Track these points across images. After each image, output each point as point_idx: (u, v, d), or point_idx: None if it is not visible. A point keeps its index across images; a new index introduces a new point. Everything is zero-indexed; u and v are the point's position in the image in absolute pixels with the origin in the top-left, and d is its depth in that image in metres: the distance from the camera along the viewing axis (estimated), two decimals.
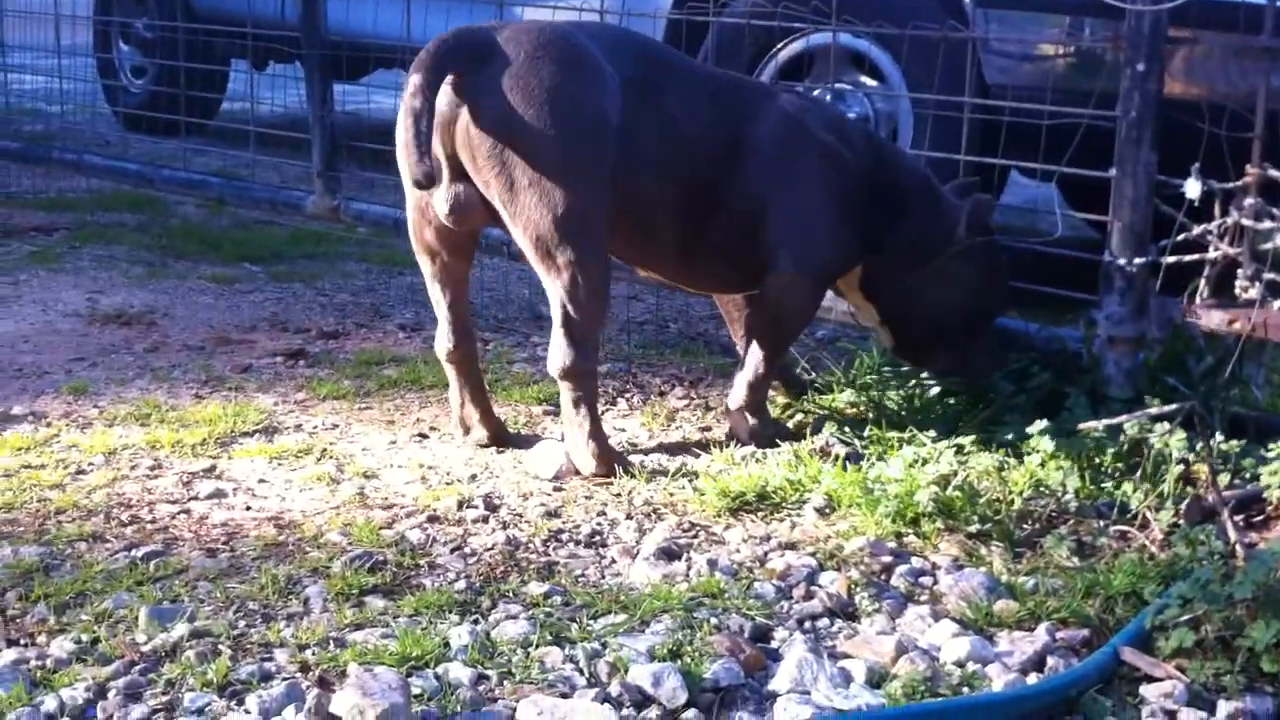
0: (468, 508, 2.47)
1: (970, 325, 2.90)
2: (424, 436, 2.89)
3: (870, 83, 4.54)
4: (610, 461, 2.63)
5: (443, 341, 2.76)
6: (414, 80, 2.46)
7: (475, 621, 2.01)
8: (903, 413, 2.96)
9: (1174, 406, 2.34)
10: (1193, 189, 2.82)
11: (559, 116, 2.48)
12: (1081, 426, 2.47)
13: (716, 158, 2.70)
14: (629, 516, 2.46)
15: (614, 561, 2.27)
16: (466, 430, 2.82)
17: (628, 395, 3.23)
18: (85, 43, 6.84)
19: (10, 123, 6.38)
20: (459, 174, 2.55)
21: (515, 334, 3.75)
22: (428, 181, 2.46)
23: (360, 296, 4.07)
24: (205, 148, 5.36)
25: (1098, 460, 2.63)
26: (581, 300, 2.56)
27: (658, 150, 2.63)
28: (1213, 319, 2.81)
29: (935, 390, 3.02)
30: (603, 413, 3.08)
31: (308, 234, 4.65)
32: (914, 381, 3.06)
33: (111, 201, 5.19)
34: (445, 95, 2.50)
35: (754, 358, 2.85)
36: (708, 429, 3.00)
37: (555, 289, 2.58)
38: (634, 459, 2.75)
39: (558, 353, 2.60)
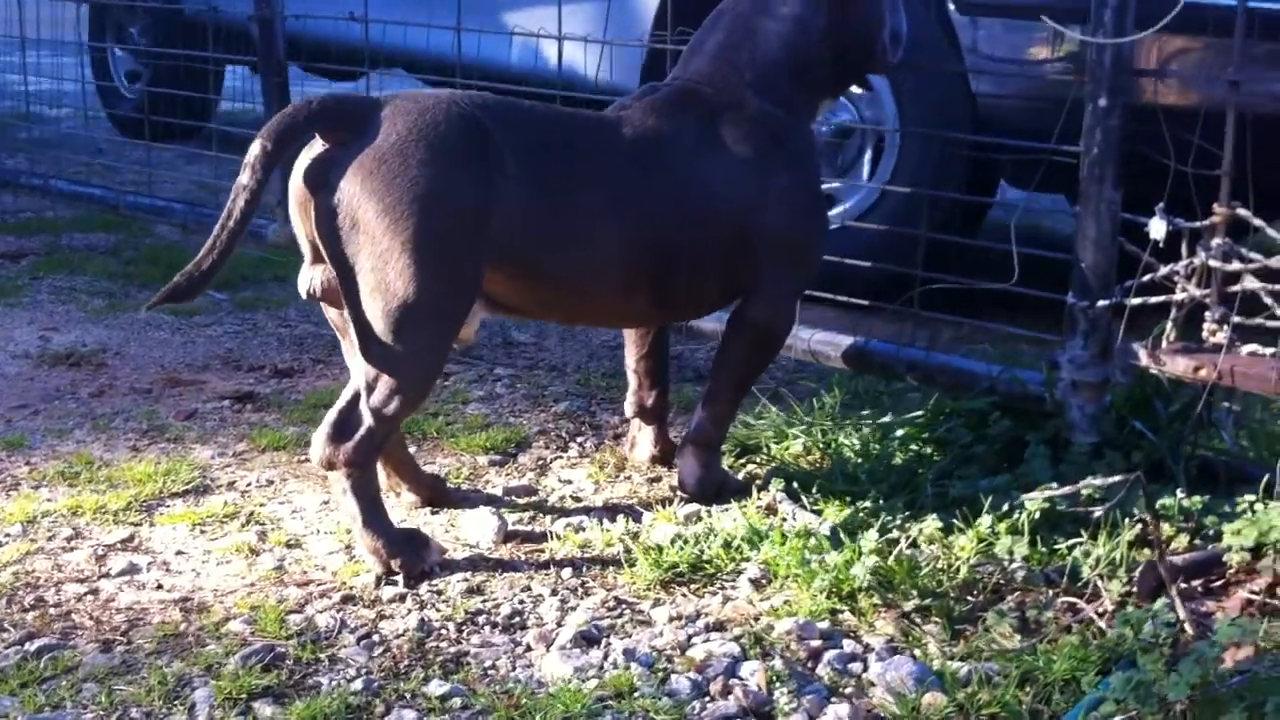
0: (385, 585, 2.37)
1: None
2: None
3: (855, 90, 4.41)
4: (390, 558, 2.37)
5: None
6: (251, 151, 2.28)
7: None
8: (858, 461, 2.84)
9: (1120, 478, 2.20)
10: (1158, 229, 2.68)
11: (416, 210, 2.27)
12: (1028, 499, 2.35)
13: (673, 206, 2.56)
14: (554, 592, 2.35)
15: (529, 649, 2.16)
16: (398, 494, 2.72)
17: (581, 439, 3.12)
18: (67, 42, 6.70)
19: (6, 130, 6.33)
20: (318, 256, 2.38)
21: (480, 364, 3.64)
22: (186, 290, 2.32)
23: (323, 326, 3.96)
24: (201, 151, 5.21)
25: (1050, 521, 2.50)
26: (390, 399, 2.34)
27: (592, 223, 2.48)
28: (1178, 365, 2.68)
29: (897, 435, 2.90)
30: (551, 460, 2.99)
31: (281, 257, 4.55)
32: (873, 426, 2.94)
33: (88, 222, 5.11)
34: (305, 169, 2.34)
35: (724, 387, 2.74)
36: (657, 479, 2.88)
37: (367, 376, 2.35)
38: (573, 519, 2.65)
39: (333, 438, 2.36)
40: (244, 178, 2.30)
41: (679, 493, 2.77)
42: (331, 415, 2.39)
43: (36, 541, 2.54)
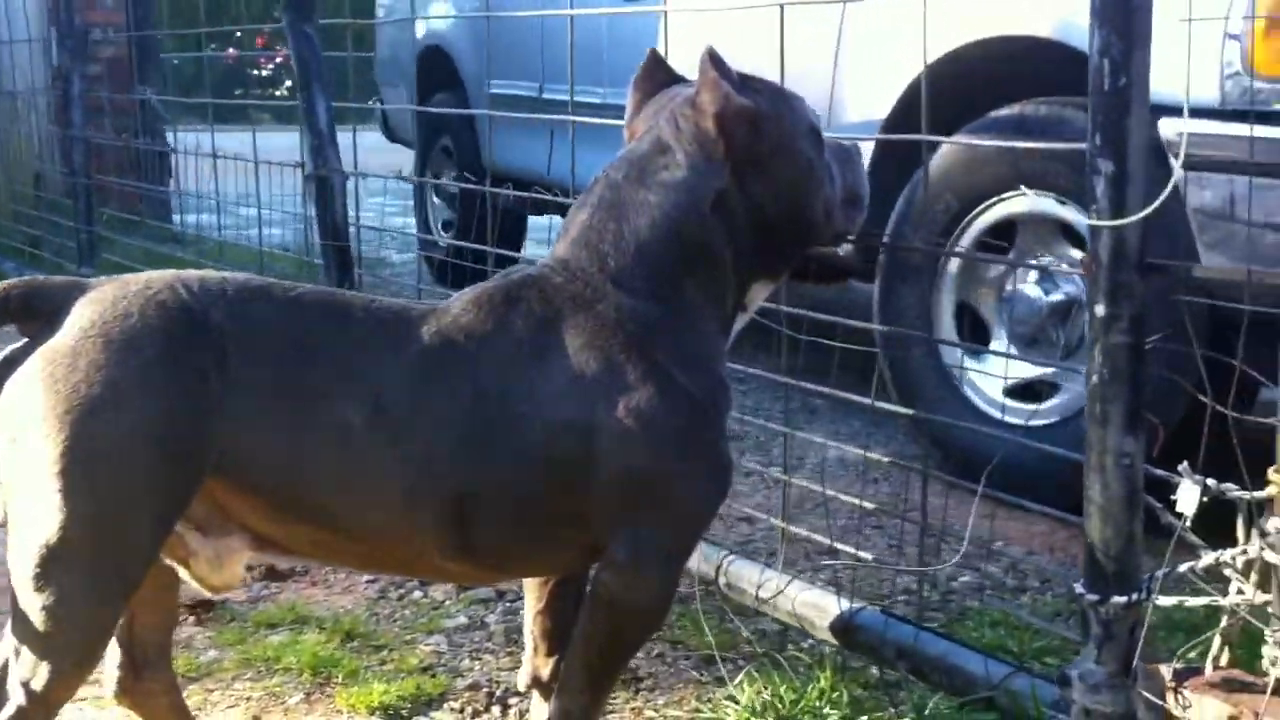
0: None
1: None
2: None
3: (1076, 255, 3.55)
4: None
5: (109, 672, 2.11)
6: None
7: None
8: None
9: None
10: (1187, 497, 1.78)
11: (72, 423, 1.77)
12: None
13: (470, 430, 1.93)
14: None
15: None
16: None
17: (516, 702, 2.48)
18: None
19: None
20: None
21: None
22: None
23: None
24: None
25: None
26: (35, 670, 1.82)
27: (353, 447, 1.88)
28: (1207, 712, 1.74)
29: None
30: None
31: None
32: None
33: None
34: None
35: (576, 674, 2.03)
36: None
37: (16, 635, 1.85)
38: None
39: None
40: None
41: None
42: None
43: None
